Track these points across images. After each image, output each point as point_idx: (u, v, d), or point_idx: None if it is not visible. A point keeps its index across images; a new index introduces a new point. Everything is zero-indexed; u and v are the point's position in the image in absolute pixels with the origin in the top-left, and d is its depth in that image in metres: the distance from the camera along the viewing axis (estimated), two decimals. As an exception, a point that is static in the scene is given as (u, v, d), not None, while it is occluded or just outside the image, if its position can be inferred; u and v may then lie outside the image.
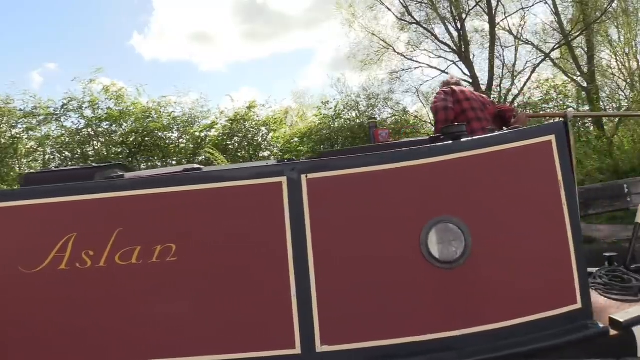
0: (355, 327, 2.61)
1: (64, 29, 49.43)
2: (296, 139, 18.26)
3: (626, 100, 18.79)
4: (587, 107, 17.82)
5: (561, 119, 3.16)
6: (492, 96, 17.26)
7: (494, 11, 17.27)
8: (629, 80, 18.88)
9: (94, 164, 5.42)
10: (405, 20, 18.56)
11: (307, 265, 2.66)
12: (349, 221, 2.74)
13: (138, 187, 2.70)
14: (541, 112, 3.85)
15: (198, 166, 3.21)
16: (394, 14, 18.65)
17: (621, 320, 2.74)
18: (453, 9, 17.60)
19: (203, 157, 16.10)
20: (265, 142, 18.07)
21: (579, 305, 2.73)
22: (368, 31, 18.99)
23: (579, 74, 17.91)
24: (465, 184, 2.82)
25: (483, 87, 17.16)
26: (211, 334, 2.61)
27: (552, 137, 2.88)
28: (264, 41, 51.16)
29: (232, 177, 2.77)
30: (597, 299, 3.25)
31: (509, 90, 17.64)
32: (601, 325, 2.72)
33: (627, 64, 19.22)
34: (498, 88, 17.63)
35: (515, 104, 17.61)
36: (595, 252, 6.72)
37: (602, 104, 17.78)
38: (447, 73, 18.37)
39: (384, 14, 19.91)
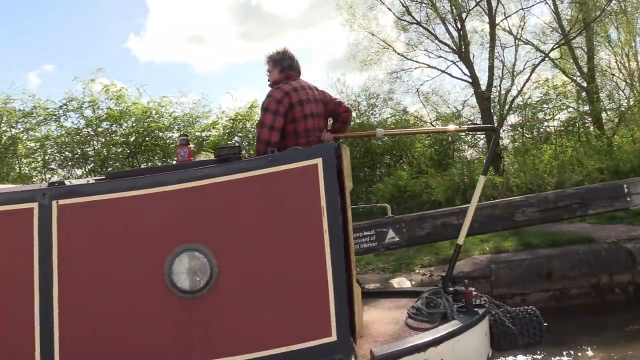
0: None
1: (61, 31, 49.39)
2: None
3: (626, 100, 18.81)
4: (587, 107, 17.84)
5: (335, 142, 3.06)
6: (492, 96, 17.27)
7: (494, 11, 17.27)
8: (628, 80, 18.88)
9: None
10: (406, 20, 18.56)
11: (52, 304, 2.53)
12: (95, 252, 2.63)
13: None
14: (353, 132, 3.77)
15: None
16: (394, 14, 18.66)
17: (376, 354, 2.65)
18: (453, 9, 17.59)
19: (203, 157, 16.07)
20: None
21: (333, 338, 2.61)
22: (368, 31, 18.99)
23: (578, 74, 17.90)
24: (217, 210, 2.72)
25: (483, 87, 17.16)
26: None
27: (319, 161, 2.75)
28: (260, 42, 51.03)
29: None
30: (405, 324, 3.23)
31: (509, 90, 17.64)
32: None
33: (626, 64, 19.23)
34: (498, 88, 17.64)
35: (515, 105, 17.64)
36: (596, 253, 6.75)
37: (602, 104, 17.77)
38: (447, 73, 18.39)
39: (384, 14, 19.93)
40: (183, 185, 2.70)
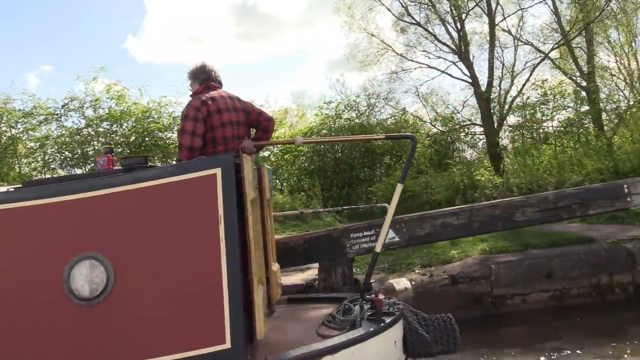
0: None
1: (59, 32, 49.47)
2: (296, 140, 18.23)
3: (625, 101, 18.81)
4: (586, 108, 17.84)
5: (236, 152, 3.09)
6: (491, 97, 17.27)
7: (493, 12, 17.27)
8: (628, 81, 18.88)
9: None
10: (405, 21, 18.56)
11: None
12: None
13: None
14: (274, 140, 3.83)
15: None
16: (393, 14, 18.66)
17: None
18: (453, 9, 17.59)
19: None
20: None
21: (227, 345, 2.66)
22: (367, 32, 18.99)
23: (578, 74, 17.91)
24: (116, 219, 2.79)
25: (483, 88, 17.17)
26: None
27: (218, 171, 2.81)
28: (258, 42, 51.13)
29: None
30: (315, 332, 3.26)
31: (508, 90, 17.66)
32: None
33: (626, 64, 19.23)
34: (497, 88, 17.64)
35: (515, 105, 17.64)
36: (596, 253, 6.76)
37: (601, 104, 17.77)
38: (447, 73, 18.39)
39: (383, 15, 19.92)
40: (84, 194, 2.78)
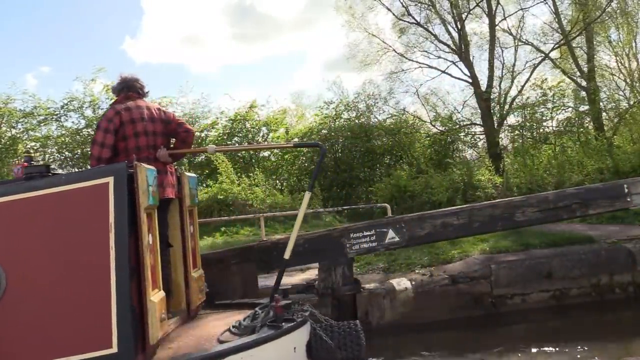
0: None
1: (58, 33, 49.61)
2: (296, 139, 18.25)
3: (625, 100, 18.80)
4: (586, 107, 17.83)
5: (126, 162, 3.16)
6: (491, 96, 17.27)
7: (493, 12, 17.27)
8: (628, 81, 18.88)
9: None
10: (406, 21, 18.57)
11: None
12: None
13: None
14: (187, 149, 3.98)
15: None
16: (394, 14, 18.66)
17: None
18: (453, 9, 17.59)
19: (203, 156, 16.09)
20: (266, 142, 18.04)
21: (114, 350, 2.76)
22: (368, 32, 19.00)
23: (578, 74, 17.91)
24: (9, 227, 2.89)
25: (483, 88, 17.17)
26: None
27: (111, 179, 2.92)
28: (255, 43, 51.21)
29: None
30: (217, 339, 3.31)
31: (508, 90, 17.65)
32: None
33: (626, 64, 19.23)
34: (497, 88, 17.64)
35: (515, 105, 17.63)
36: (596, 253, 6.76)
37: (601, 104, 17.77)
38: (447, 73, 18.39)
39: (383, 15, 19.90)
40: None
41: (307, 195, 3.76)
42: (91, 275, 2.87)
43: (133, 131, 3.82)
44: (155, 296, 3.09)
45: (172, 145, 4.22)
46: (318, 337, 3.37)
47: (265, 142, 17.89)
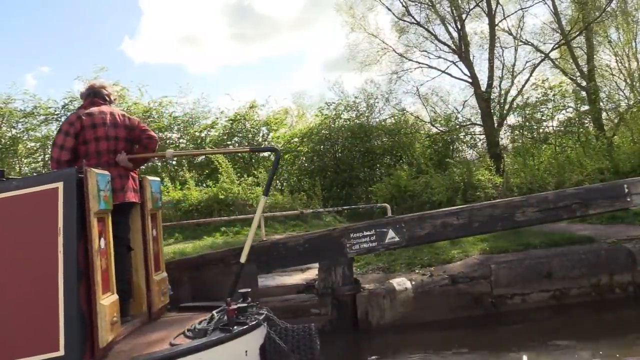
0: None
1: (57, 34, 49.69)
2: (296, 139, 18.25)
3: (625, 100, 18.81)
4: (586, 107, 17.83)
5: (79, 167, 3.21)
6: (491, 96, 17.27)
7: (493, 12, 17.27)
8: (628, 81, 18.89)
9: None
10: (406, 21, 18.57)
11: None
12: None
13: None
14: (145, 154, 4.06)
15: None
16: (394, 14, 18.67)
17: None
18: (453, 9, 17.59)
19: (204, 157, 16.10)
20: (266, 142, 18.05)
21: (61, 353, 2.80)
22: (368, 32, 19.00)
23: (578, 74, 17.91)
24: None
25: (483, 88, 17.16)
26: None
27: (60, 185, 2.97)
28: (254, 43, 51.25)
29: None
30: (170, 343, 3.30)
31: (508, 90, 17.65)
32: None
33: (626, 64, 19.23)
34: (497, 88, 17.64)
35: (515, 105, 17.63)
36: (596, 253, 6.76)
37: (601, 104, 17.77)
38: (447, 73, 18.39)
39: (384, 15, 19.87)
40: None
41: (263, 200, 3.80)
42: (40, 279, 2.92)
43: (94, 135, 3.93)
44: (107, 299, 3.14)
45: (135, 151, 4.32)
46: (272, 341, 3.42)
47: (266, 142, 17.89)
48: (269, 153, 15.84)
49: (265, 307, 3.78)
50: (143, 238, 4.13)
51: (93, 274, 3.03)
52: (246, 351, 3.28)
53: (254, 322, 3.40)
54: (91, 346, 2.99)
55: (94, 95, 4.22)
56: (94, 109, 4.07)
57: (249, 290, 3.80)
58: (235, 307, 3.38)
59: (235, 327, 3.26)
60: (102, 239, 3.20)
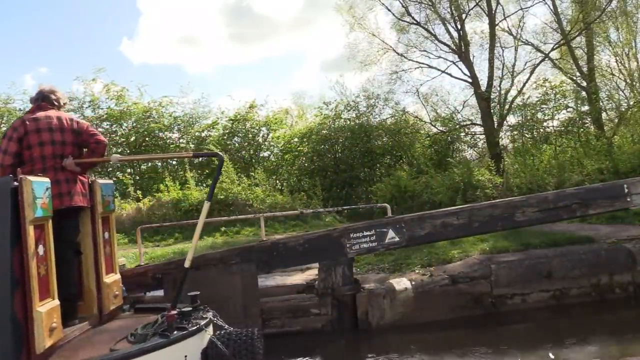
0: None
1: (56, 35, 49.78)
2: (296, 139, 18.26)
3: (626, 100, 18.80)
4: (586, 107, 17.83)
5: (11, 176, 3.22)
6: (492, 96, 17.26)
7: (493, 12, 17.27)
8: (628, 81, 18.88)
9: None
10: (406, 21, 18.56)
11: None
12: None
13: None
14: (91, 159, 4.14)
15: None
16: (394, 14, 18.66)
17: None
18: (453, 9, 17.59)
19: (204, 157, 16.08)
20: (266, 142, 18.07)
21: None
22: (368, 32, 18.99)
23: (578, 74, 17.90)
24: None
25: (483, 88, 17.16)
26: None
27: None
28: (252, 43, 51.30)
29: None
30: (110, 347, 3.31)
31: (508, 90, 17.65)
32: None
33: (626, 64, 19.21)
34: (497, 88, 17.64)
35: (515, 105, 17.63)
36: (596, 253, 6.76)
37: (601, 104, 17.76)
38: (447, 73, 18.39)
39: (384, 15, 19.87)
40: None
41: (206, 205, 3.76)
42: None
43: (38, 140, 3.93)
44: (44, 306, 3.15)
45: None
46: (213, 346, 3.43)
47: (266, 143, 17.91)
48: (269, 152, 15.86)
49: (212, 311, 3.78)
50: (94, 241, 4.16)
51: (29, 281, 3.05)
52: (185, 356, 3.31)
53: (195, 327, 3.41)
54: (27, 352, 3.01)
55: (42, 99, 4.20)
56: (40, 114, 4.06)
57: (198, 293, 3.81)
58: (175, 312, 3.41)
59: (174, 332, 3.28)
60: (41, 246, 3.22)
